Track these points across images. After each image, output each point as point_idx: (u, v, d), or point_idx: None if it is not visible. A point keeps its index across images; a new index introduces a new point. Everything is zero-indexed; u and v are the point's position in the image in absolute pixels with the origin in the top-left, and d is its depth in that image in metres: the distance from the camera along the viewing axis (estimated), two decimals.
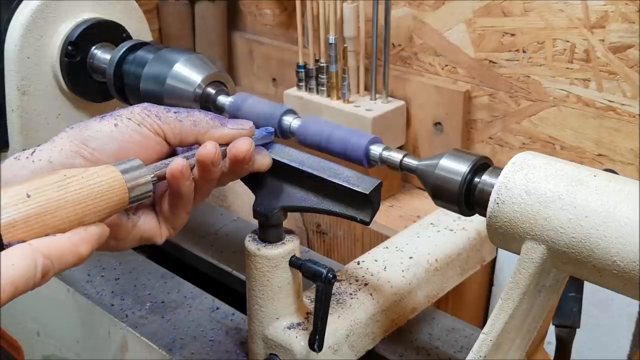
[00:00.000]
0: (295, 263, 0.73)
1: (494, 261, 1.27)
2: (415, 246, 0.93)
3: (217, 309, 0.94)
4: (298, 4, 1.38)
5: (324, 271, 0.70)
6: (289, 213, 0.74)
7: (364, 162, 0.71)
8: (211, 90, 0.83)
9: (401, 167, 0.69)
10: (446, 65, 1.36)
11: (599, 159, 1.20)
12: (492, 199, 0.59)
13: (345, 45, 1.35)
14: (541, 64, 1.22)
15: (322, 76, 1.37)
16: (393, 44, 1.40)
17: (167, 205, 0.65)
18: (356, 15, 1.34)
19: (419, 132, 1.40)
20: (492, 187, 0.60)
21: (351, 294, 0.83)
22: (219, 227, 1.13)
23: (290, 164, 0.71)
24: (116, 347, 0.93)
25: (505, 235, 0.59)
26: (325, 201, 0.71)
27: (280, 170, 0.72)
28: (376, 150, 0.71)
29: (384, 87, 1.34)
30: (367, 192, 0.67)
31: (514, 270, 0.59)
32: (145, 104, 0.66)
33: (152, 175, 0.59)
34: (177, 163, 0.61)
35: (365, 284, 0.85)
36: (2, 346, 1.16)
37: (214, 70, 0.84)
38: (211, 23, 1.70)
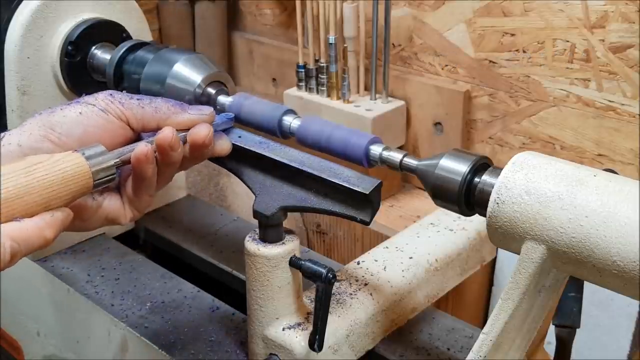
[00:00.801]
0: (295, 263, 0.73)
1: (494, 261, 1.27)
2: (415, 246, 0.93)
3: (217, 309, 0.94)
4: (298, 4, 1.38)
5: (324, 271, 0.70)
6: (289, 213, 0.74)
7: (364, 162, 0.71)
8: (211, 90, 0.83)
9: (401, 167, 0.69)
10: (446, 65, 1.36)
11: (599, 159, 1.20)
12: (492, 199, 0.59)
13: (345, 45, 1.35)
14: (541, 64, 1.22)
15: (322, 76, 1.37)
16: (393, 44, 1.40)
17: (131, 188, 0.67)
18: (356, 15, 1.34)
19: (419, 132, 1.40)
20: (492, 187, 0.60)
21: (351, 294, 0.83)
22: (219, 227, 1.13)
23: (290, 164, 0.71)
24: (116, 347, 0.93)
25: (505, 235, 0.59)
26: (325, 201, 0.71)
27: (280, 170, 0.72)
28: (376, 150, 0.71)
29: (384, 87, 1.34)
30: (367, 192, 0.67)
31: (514, 270, 0.59)
32: (110, 91, 0.69)
33: (117, 160, 0.62)
34: (141, 148, 0.64)
35: (365, 284, 0.85)
36: (2, 346, 1.16)
37: (214, 70, 0.84)
38: (211, 23, 1.70)
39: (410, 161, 0.68)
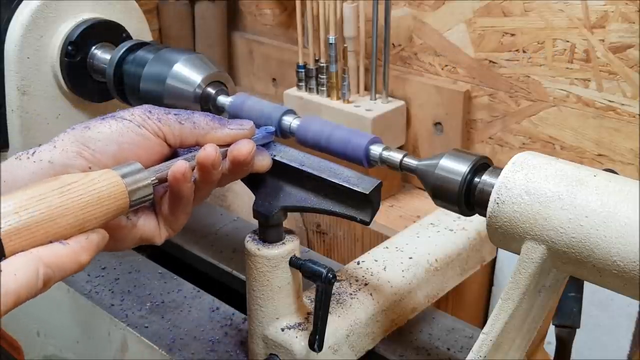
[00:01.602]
0: (295, 263, 0.73)
1: (494, 261, 1.27)
2: (415, 246, 0.93)
3: (217, 309, 0.94)
4: (298, 4, 1.38)
5: (324, 271, 0.70)
6: (289, 213, 0.74)
7: (364, 162, 0.71)
8: (211, 91, 0.83)
9: (401, 167, 0.69)
10: (446, 65, 1.36)
11: (599, 159, 1.20)
12: (492, 199, 0.59)
13: (345, 45, 1.35)
14: (541, 64, 1.22)
15: (322, 76, 1.37)
16: (393, 44, 1.40)
17: (167, 206, 0.64)
18: (356, 15, 1.34)
19: (419, 132, 1.40)
20: (492, 187, 0.60)
21: (351, 294, 0.83)
22: (219, 227, 1.13)
23: (290, 164, 0.71)
24: (116, 347, 0.93)
25: (505, 235, 0.59)
26: (325, 201, 0.70)
27: (280, 170, 0.72)
28: (376, 150, 0.71)
29: (384, 87, 1.34)
30: (367, 192, 0.67)
31: (514, 270, 0.59)
32: (146, 106, 0.66)
33: (153, 178, 0.59)
34: (180, 166, 0.61)
35: (365, 284, 0.85)
36: (2, 346, 1.16)
37: (214, 70, 0.84)
38: (211, 23, 1.70)
39: (410, 161, 0.68)
